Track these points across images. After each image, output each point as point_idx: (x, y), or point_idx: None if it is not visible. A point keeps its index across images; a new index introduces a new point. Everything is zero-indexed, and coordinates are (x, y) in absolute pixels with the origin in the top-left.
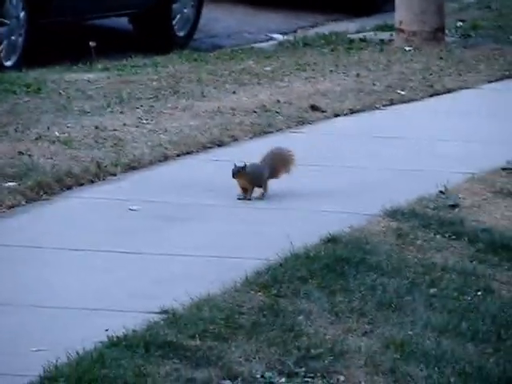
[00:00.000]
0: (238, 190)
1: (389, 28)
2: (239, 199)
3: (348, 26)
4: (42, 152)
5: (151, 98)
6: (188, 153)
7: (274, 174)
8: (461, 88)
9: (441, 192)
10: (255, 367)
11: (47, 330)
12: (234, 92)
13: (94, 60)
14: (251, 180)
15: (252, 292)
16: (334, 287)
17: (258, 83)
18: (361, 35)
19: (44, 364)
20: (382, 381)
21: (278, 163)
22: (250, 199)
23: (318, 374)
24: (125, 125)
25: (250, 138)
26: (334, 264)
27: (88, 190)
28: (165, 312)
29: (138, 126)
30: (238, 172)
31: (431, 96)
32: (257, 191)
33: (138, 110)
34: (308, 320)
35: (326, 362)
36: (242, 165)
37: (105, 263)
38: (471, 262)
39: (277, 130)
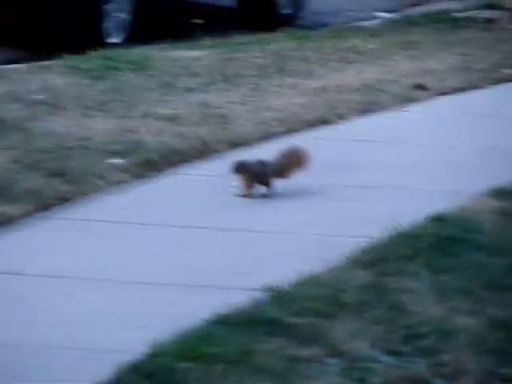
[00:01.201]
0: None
1: (495, 6)
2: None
3: (453, 5)
4: (147, 129)
5: (256, 75)
6: (293, 130)
7: (283, 172)
8: None
9: None
10: (360, 345)
11: (150, 307)
12: (339, 70)
13: (199, 37)
14: (252, 176)
15: (357, 270)
16: (440, 266)
17: (363, 61)
18: (466, 14)
19: (148, 341)
20: (488, 361)
21: (291, 162)
22: (249, 196)
23: (423, 353)
24: (230, 102)
25: (356, 115)
26: (439, 243)
27: (193, 167)
28: (269, 289)
29: (243, 104)
30: (238, 168)
31: None
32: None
33: (243, 87)
34: (413, 299)
35: (431, 340)
36: (242, 160)
37: (208, 240)
38: None
39: (381, 108)
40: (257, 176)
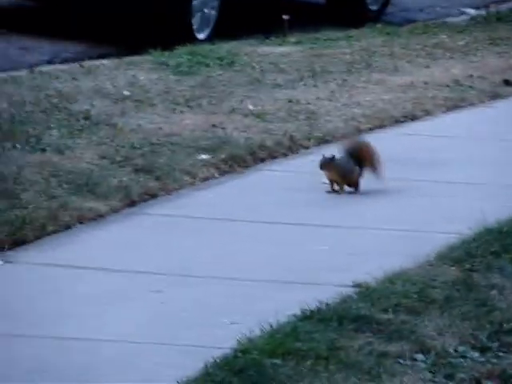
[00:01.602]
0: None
1: None
2: (328, 192)
3: None
4: (235, 125)
5: (344, 71)
6: (381, 126)
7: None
8: None
9: None
10: (448, 341)
11: (239, 303)
12: (426, 66)
13: (286, 33)
14: (340, 174)
15: (445, 266)
16: None
17: (451, 57)
18: None
19: (237, 336)
20: None
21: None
22: (337, 192)
23: (511, 349)
24: (318, 98)
25: (443, 111)
26: None
27: (280, 163)
28: (358, 285)
29: (331, 100)
30: (326, 163)
31: None
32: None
33: (330, 83)
34: (501, 295)
35: None
36: (330, 156)
37: (297, 236)
38: None
39: (469, 105)
40: (344, 173)
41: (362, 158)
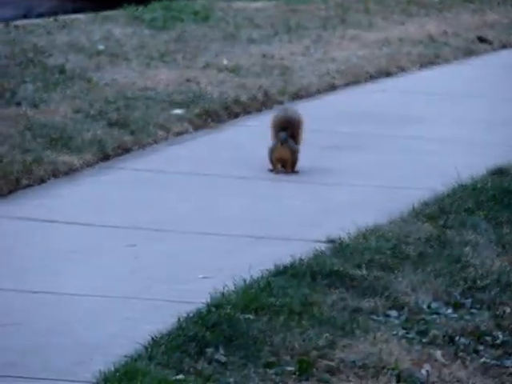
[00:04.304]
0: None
1: None
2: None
3: None
4: (209, 80)
5: (319, 27)
6: (355, 82)
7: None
8: None
9: None
10: (421, 298)
11: (213, 257)
12: (401, 23)
13: None
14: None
15: (419, 222)
16: (501, 219)
17: (426, 14)
18: None
19: (211, 291)
20: None
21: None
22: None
23: (485, 306)
24: (292, 53)
25: (418, 68)
26: (501, 195)
27: (255, 118)
28: (331, 241)
29: (305, 55)
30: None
31: None
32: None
33: (305, 39)
34: (475, 251)
35: (493, 293)
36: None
37: (270, 191)
38: None
39: (444, 61)
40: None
41: (296, 134)
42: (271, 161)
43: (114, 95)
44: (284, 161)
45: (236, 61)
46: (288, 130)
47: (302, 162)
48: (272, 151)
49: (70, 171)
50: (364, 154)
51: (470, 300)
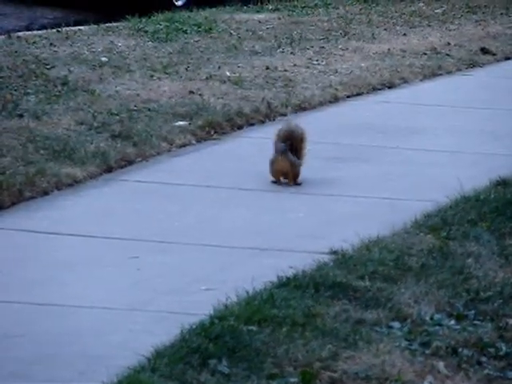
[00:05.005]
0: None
1: None
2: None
3: None
4: (212, 92)
5: (322, 39)
6: (358, 94)
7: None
8: None
9: None
10: (424, 309)
11: (216, 269)
12: (404, 34)
13: (264, 0)
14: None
15: (421, 234)
16: (504, 230)
17: (429, 25)
18: None
19: (214, 303)
20: None
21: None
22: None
23: (487, 317)
24: (295, 65)
25: (420, 80)
26: (503, 207)
27: (258, 130)
28: (334, 253)
29: (308, 67)
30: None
31: None
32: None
33: (308, 50)
34: (477, 263)
35: (496, 304)
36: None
37: (273, 202)
38: None
39: (447, 73)
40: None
41: (298, 148)
42: (271, 173)
43: (117, 107)
44: (284, 173)
45: (239, 73)
46: (289, 143)
47: (305, 173)
48: (272, 163)
49: (73, 183)
50: (367, 165)
51: (472, 311)
